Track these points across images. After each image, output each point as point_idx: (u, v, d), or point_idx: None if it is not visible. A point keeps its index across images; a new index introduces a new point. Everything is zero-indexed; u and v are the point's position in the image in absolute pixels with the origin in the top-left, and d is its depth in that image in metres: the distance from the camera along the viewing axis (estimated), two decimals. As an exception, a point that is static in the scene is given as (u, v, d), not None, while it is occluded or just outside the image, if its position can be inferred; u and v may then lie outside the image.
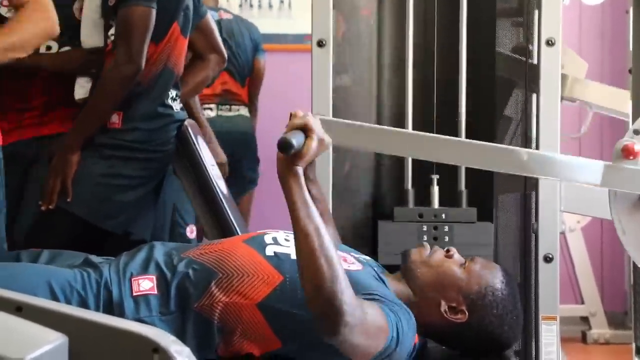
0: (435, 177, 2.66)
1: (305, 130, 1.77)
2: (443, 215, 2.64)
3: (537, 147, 2.55)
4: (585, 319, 4.94)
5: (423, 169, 2.66)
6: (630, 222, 1.73)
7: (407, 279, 2.02)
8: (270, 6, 5.19)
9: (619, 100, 3.81)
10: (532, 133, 2.66)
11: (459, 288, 1.99)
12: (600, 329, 4.89)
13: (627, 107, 2.66)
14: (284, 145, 1.72)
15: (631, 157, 1.69)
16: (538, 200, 2.54)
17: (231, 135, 4.28)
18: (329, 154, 2.47)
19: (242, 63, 4.40)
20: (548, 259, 2.53)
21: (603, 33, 5.19)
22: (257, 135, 4.54)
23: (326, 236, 1.74)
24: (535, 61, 2.62)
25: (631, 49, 3.01)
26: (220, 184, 2.70)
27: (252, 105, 4.56)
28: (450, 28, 2.72)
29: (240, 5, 5.04)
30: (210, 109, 4.32)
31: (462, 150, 1.73)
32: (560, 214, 2.56)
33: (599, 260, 5.16)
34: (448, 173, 2.64)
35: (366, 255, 2.13)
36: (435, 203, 2.67)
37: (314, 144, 1.75)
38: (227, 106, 4.37)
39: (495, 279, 2.02)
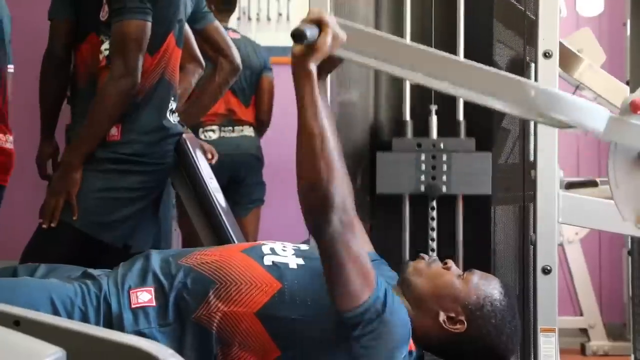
0: (433, 108, 2.66)
1: (320, 24, 1.70)
2: (441, 145, 2.63)
3: (535, 159, 2.55)
4: (584, 331, 4.94)
5: (421, 99, 2.65)
6: (625, 176, 1.71)
7: (406, 290, 2.02)
8: (269, 19, 5.21)
9: (622, 97, 3.80)
10: (529, 144, 2.66)
11: (457, 298, 1.99)
12: (599, 341, 4.88)
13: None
14: (297, 35, 1.65)
15: (638, 112, 1.67)
16: (536, 212, 2.54)
17: (234, 157, 4.27)
18: (328, 85, 2.44)
19: (246, 83, 4.38)
20: (546, 271, 2.53)
21: (601, 45, 5.20)
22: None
23: (331, 139, 1.72)
24: (532, 73, 2.62)
25: (629, 60, 3.02)
26: (218, 197, 2.71)
27: (260, 124, 4.52)
28: (447, 40, 2.72)
29: (239, 18, 5.06)
30: (213, 130, 4.30)
31: (471, 73, 1.69)
32: (559, 226, 2.56)
33: (598, 272, 5.16)
34: (446, 103, 2.63)
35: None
36: (434, 133, 2.67)
37: (328, 37, 1.68)
38: (230, 127, 4.34)
39: (494, 289, 2.02)
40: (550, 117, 1.69)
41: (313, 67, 1.70)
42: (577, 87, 3.86)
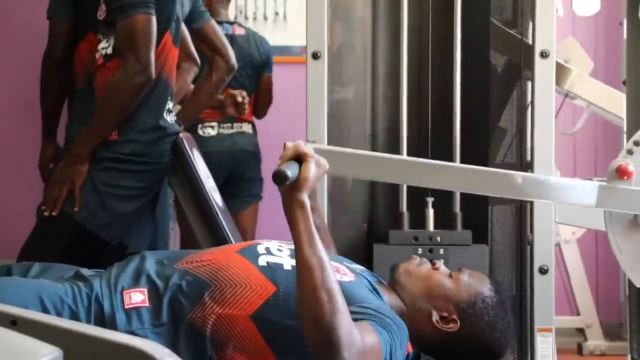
0: (430, 200, 2.66)
1: (300, 157, 1.74)
2: (438, 238, 2.64)
3: (532, 158, 2.55)
4: (580, 331, 4.94)
5: (418, 191, 2.65)
6: (626, 241, 1.73)
7: (397, 291, 2.02)
8: (265, 18, 5.20)
9: (616, 103, 3.82)
10: (526, 144, 2.66)
11: (449, 297, 2.00)
12: (595, 341, 4.88)
13: (622, 110, 2.67)
14: (278, 176, 1.68)
15: (625, 178, 1.70)
16: (533, 212, 2.54)
17: (232, 153, 4.27)
18: (324, 178, 2.47)
19: (246, 81, 4.37)
20: (543, 271, 2.53)
21: (596, 45, 5.20)
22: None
23: (329, 268, 1.72)
24: (529, 73, 2.62)
25: (625, 60, 3.02)
26: (215, 196, 2.70)
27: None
28: (444, 40, 2.73)
29: (235, 17, 5.04)
30: (212, 127, 4.30)
31: (456, 176, 1.73)
32: (555, 226, 2.56)
33: (594, 272, 5.16)
34: (443, 195, 2.64)
35: None
36: (430, 226, 2.67)
37: (312, 167, 1.72)
38: (229, 124, 4.34)
39: (484, 287, 2.03)
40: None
41: (304, 196, 1.73)
42: (567, 95, 3.87)
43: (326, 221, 2.50)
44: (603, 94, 3.90)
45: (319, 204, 2.13)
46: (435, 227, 2.67)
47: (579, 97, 3.89)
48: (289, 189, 1.72)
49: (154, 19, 2.54)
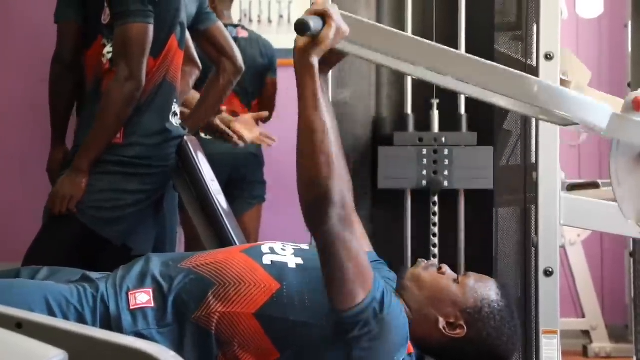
0: (435, 102, 2.66)
1: (324, 16, 1.69)
2: (443, 139, 2.63)
3: (536, 161, 2.55)
4: (586, 333, 4.93)
5: (423, 93, 2.65)
6: (627, 174, 1.70)
7: (404, 296, 2.02)
8: (270, 21, 5.21)
9: (618, 111, 3.81)
10: (531, 147, 2.66)
11: (455, 303, 1.99)
12: (601, 343, 4.88)
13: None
14: (300, 26, 1.64)
15: None
16: (538, 214, 2.54)
17: (234, 155, 4.26)
18: (330, 80, 2.43)
19: (249, 85, 4.37)
20: (548, 273, 2.53)
21: (601, 47, 5.20)
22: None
23: (331, 133, 1.70)
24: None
25: (630, 62, 3.02)
26: (220, 199, 2.71)
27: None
28: (448, 42, 2.72)
29: (240, 20, 5.05)
30: None
31: (473, 67, 1.68)
32: (560, 228, 2.56)
33: (600, 274, 5.15)
34: (448, 97, 2.63)
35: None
36: (435, 127, 2.66)
37: (331, 31, 1.67)
38: None
39: (490, 291, 2.02)
40: (552, 113, 1.69)
41: (315, 60, 1.69)
42: None
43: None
44: (605, 103, 3.90)
45: (329, 92, 2.08)
46: (441, 130, 2.66)
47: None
48: (304, 45, 1.68)
49: (150, 28, 2.55)
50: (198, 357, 1.84)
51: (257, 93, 4.42)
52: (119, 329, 1.82)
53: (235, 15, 4.70)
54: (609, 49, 5.21)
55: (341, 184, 1.70)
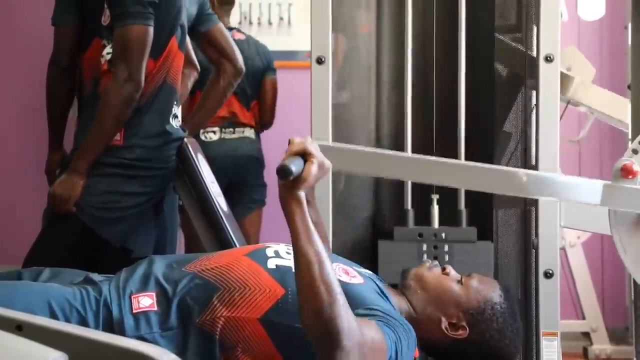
0: (435, 197, 2.66)
1: (304, 155, 1.76)
2: (443, 235, 2.64)
3: (536, 162, 2.55)
4: (586, 335, 4.93)
5: (423, 188, 2.65)
6: (630, 240, 1.73)
7: (407, 296, 2.02)
8: (270, 23, 5.21)
9: (620, 108, 3.81)
10: (531, 148, 2.66)
11: (458, 304, 1.99)
12: (601, 345, 4.87)
13: (628, 116, 2.67)
14: (282, 172, 1.71)
15: (630, 177, 1.69)
16: (538, 216, 2.54)
17: (235, 158, 4.27)
18: (328, 174, 2.47)
19: (248, 86, 4.37)
20: (548, 275, 2.53)
21: (601, 49, 5.20)
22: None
23: (327, 262, 1.73)
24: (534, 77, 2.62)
25: (630, 64, 3.02)
26: (220, 202, 2.71)
27: (262, 125, 4.51)
28: (449, 45, 2.73)
29: (240, 23, 5.05)
30: (214, 132, 4.30)
31: (461, 174, 1.73)
32: (560, 230, 2.56)
33: (600, 276, 5.15)
34: (448, 192, 2.64)
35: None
36: (435, 222, 2.67)
37: (314, 168, 1.74)
38: (231, 129, 4.34)
39: (494, 293, 2.03)
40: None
41: (302, 193, 1.75)
42: (569, 103, 3.88)
43: (330, 218, 2.50)
44: (607, 100, 3.90)
45: (315, 200, 2.14)
46: (440, 224, 2.67)
47: (582, 105, 3.89)
48: (289, 184, 1.74)
49: (150, 30, 2.55)
50: (200, 362, 1.84)
51: (256, 94, 4.43)
52: (122, 333, 1.82)
53: (235, 17, 4.72)
54: (610, 50, 5.21)
55: (345, 309, 1.71)
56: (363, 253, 2.74)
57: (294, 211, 1.74)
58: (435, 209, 2.68)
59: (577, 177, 1.72)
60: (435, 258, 2.61)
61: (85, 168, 2.56)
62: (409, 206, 2.68)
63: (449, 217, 2.68)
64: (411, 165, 1.74)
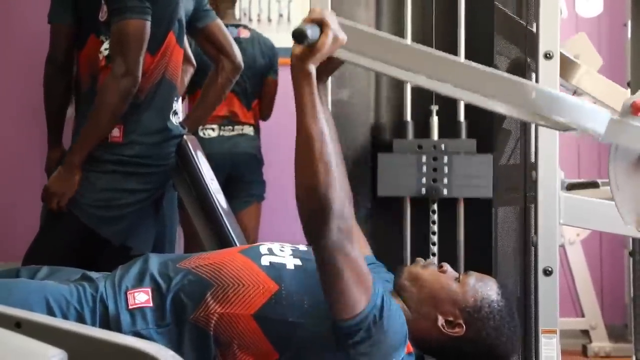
0: (434, 108, 2.66)
1: (322, 24, 1.69)
2: (442, 146, 2.63)
3: (536, 160, 2.55)
4: (585, 332, 4.93)
5: (422, 100, 2.64)
6: (626, 179, 1.70)
7: (403, 295, 2.02)
8: (269, 20, 5.21)
9: (622, 100, 3.80)
10: (531, 146, 2.66)
11: (455, 302, 1.99)
12: (600, 342, 4.88)
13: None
14: (298, 35, 1.64)
15: (639, 114, 1.66)
16: (537, 214, 2.54)
17: (233, 155, 4.26)
18: (329, 87, 2.43)
19: (249, 86, 4.37)
20: (547, 272, 2.52)
21: (600, 45, 5.20)
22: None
23: (330, 143, 1.70)
24: (533, 75, 2.62)
25: (629, 61, 3.02)
26: (219, 198, 2.71)
27: (260, 120, 4.51)
28: (448, 41, 2.73)
29: (239, 19, 5.05)
30: (212, 129, 4.29)
31: (468, 75, 1.67)
32: (560, 227, 2.56)
33: (599, 273, 5.16)
34: (447, 104, 2.63)
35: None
36: (435, 134, 2.67)
37: (329, 39, 1.66)
38: (230, 126, 4.34)
39: (491, 290, 2.02)
40: (550, 119, 1.69)
41: (312, 68, 1.69)
42: (575, 92, 3.87)
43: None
44: (610, 91, 3.88)
45: (327, 99, 2.08)
46: (440, 137, 2.66)
47: (586, 94, 3.88)
48: (301, 53, 1.68)
49: (147, 25, 2.55)
50: (196, 358, 1.85)
51: (257, 93, 4.42)
52: (118, 329, 1.83)
53: (235, 15, 4.70)
54: (609, 47, 5.21)
55: (341, 193, 1.69)
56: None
57: (302, 85, 1.69)
58: (435, 120, 2.67)
59: (587, 103, 1.68)
60: (435, 170, 2.60)
61: (79, 161, 2.56)
62: (408, 118, 2.68)
63: (449, 129, 2.67)
64: (425, 60, 1.68)
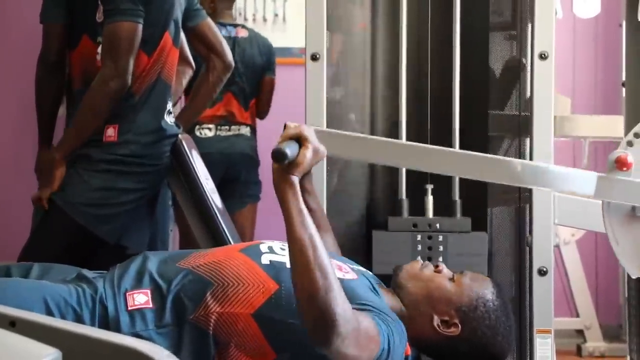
0: (429, 187, 2.66)
1: (300, 140, 1.76)
2: (437, 225, 2.64)
3: (531, 159, 2.55)
4: (580, 332, 4.94)
5: (417, 178, 2.65)
6: (623, 232, 1.72)
7: (399, 293, 2.02)
8: (265, 20, 5.21)
9: (612, 127, 3.82)
10: (525, 147, 2.66)
11: (450, 301, 1.99)
12: (595, 342, 4.88)
13: (621, 131, 2.67)
14: (277, 155, 1.71)
15: (624, 169, 1.69)
16: (532, 214, 2.54)
17: (229, 155, 4.26)
18: (323, 164, 2.47)
19: (247, 86, 4.36)
20: (542, 272, 2.53)
21: (596, 46, 5.21)
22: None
23: (321, 246, 1.73)
24: (528, 74, 2.62)
25: (624, 62, 3.03)
26: (214, 198, 2.71)
27: (257, 117, 4.51)
28: (443, 42, 2.73)
29: (235, 19, 5.05)
30: (209, 128, 4.29)
31: (456, 161, 1.72)
32: (555, 227, 2.56)
33: (594, 273, 5.16)
34: (442, 183, 2.64)
35: (361, 265, 2.13)
36: (430, 213, 2.67)
37: (308, 153, 1.74)
38: (226, 126, 4.33)
39: (486, 290, 2.02)
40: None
41: (295, 178, 1.75)
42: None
43: (325, 208, 2.50)
44: (593, 124, 3.92)
45: (314, 188, 2.14)
46: (435, 215, 2.67)
47: (572, 137, 3.90)
48: (283, 169, 1.74)
49: (139, 28, 2.55)
50: (195, 358, 1.84)
51: (255, 93, 4.42)
52: (117, 330, 1.82)
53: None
54: (605, 48, 5.21)
55: (340, 295, 1.70)
56: (357, 243, 2.74)
57: (287, 196, 1.74)
58: (430, 199, 2.67)
59: (571, 168, 1.71)
60: (430, 249, 2.61)
61: (61, 157, 2.58)
62: (404, 196, 2.68)
63: (444, 208, 2.68)
64: (406, 152, 1.73)
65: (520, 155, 2.69)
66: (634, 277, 1.72)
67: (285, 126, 1.82)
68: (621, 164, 1.69)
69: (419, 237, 2.62)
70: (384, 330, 1.80)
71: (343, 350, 1.70)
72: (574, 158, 4.96)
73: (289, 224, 1.74)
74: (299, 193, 1.75)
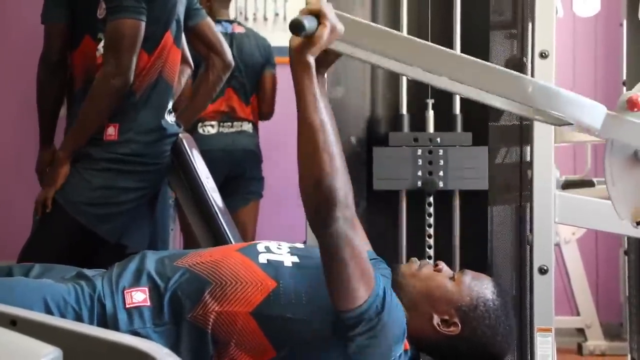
0: (430, 102, 2.66)
1: (319, 15, 1.68)
2: (438, 139, 2.63)
3: (531, 161, 2.55)
4: (580, 331, 4.94)
5: (418, 93, 2.65)
6: (621, 174, 1.70)
7: (398, 293, 2.01)
8: (265, 19, 5.21)
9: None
10: (526, 147, 2.66)
11: (450, 300, 1.98)
12: (595, 341, 4.89)
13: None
14: (295, 26, 1.64)
15: (635, 110, 1.66)
16: (533, 212, 2.54)
17: (232, 152, 4.26)
18: (325, 82, 2.43)
19: (247, 81, 4.37)
20: (543, 271, 2.53)
21: (597, 45, 5.21)
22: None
23: (331, 132, 1.71)
24: (529, 73, 2.62)
25: (625, 61, 3.03)
26: (215, 197, 2.71)
27: (262, 116, 4.50)
28: (444, 40, 2.73)
29: (235, 18, 5.05)
30: (212, 125, 4.29)
31: (467, 67, 1.67)
32: (555, 226, 2.56)
33: (595, 272, 5.16)
34: (443, 97, 2.63)
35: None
36: (430, 127, 2.67)
37: (326, 30, 1.66)
38: (229, 123, 4.34)
39: (486, 289, 2.01)
40: (547, 114, 1.69)
41: (311, 59, 1.69)
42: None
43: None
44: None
45: (326, 90, 2.09)
46: (435, 130, 2.67)
47: (572, 142, 3.90)
48: (300, 44, 1.68)
49: (142, 25, 2.55)
50: (193, 356, 1.84)
51: (255, 88, 4.42)
52: (115, 328, 1.82)
53: (231, 13, 4.70)
54: (605, 47, 5.21)
55: (345, 182, 1.70)
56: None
57: (302, 77, 1.70)
58: (430, 113, 2.67)
59: (584, 98, 1.67)
60: (430, 163, 2.60)
61: (66, 155, 2.58)
62: (404, 111, 2.68)
63: (445, 124, 2.67)
64: (422, 52, 1.68)
65: (521, 154, 2.69)
66: (621, 219, 1.69)
67: (307, 2, 1.75)
68: (632, 105, 1.66)
69: (419, 152, 2.62)
70: (380, 280, 1.81)
71: (343, 231, 1.71)
72: (575, 161, 4.97)
73: (300, 105, 1.70)
74: (314, 76, 1.70)
